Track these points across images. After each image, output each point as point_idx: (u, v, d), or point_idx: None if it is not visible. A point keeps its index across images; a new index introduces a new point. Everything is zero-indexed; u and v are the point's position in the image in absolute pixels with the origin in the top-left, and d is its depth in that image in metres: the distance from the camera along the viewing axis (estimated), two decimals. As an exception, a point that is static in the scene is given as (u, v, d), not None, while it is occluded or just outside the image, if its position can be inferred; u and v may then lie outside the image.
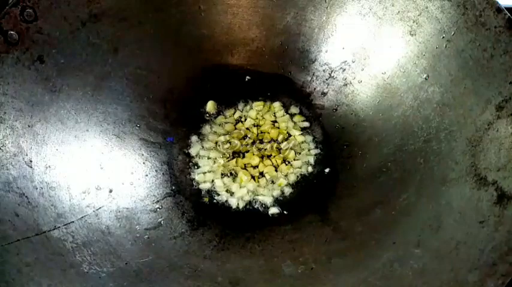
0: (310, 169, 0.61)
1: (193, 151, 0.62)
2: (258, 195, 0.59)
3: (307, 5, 0.63)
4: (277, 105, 0.66)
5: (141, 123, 0.61)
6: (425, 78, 0.56)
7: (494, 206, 0.44)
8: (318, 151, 0.63)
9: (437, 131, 0.53)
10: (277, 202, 0.59)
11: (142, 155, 0.59)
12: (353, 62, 0.63)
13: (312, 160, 0.62)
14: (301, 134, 0.64)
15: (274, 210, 0.58)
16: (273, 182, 0.60)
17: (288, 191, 0.60)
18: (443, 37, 0.54)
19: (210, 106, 0.65)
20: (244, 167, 0.61)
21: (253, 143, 0.63)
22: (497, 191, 0.45)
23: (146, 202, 0.56)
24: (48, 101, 0.54)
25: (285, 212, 0.58)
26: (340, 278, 0.49)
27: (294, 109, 0.66)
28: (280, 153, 0.62)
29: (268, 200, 0.59)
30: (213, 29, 0.65)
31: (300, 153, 0.62)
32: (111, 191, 0.56)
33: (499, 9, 0.49)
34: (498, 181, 0.45)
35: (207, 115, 0.65)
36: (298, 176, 0.61)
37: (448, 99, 0.53)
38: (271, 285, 0.51)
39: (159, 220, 0.55)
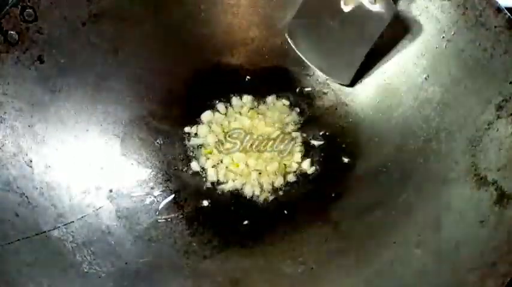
0: (310, 168, 0.61)
1: (193, 151, 0.62)
2: (258, 194, 0.59)
3: (307, 5, 0.63)
4: (277, 104, 0.66)
5: (141, 123, 0.60)
6: (425, 78, 0.56)
7: (494, 206, 0.44)
8: (317, 150, 0.63)
9: (437, 131, 0.53)
10: (277, 201, 0.59)
11: (142, 155, 0.59)
12: (353, 62, 0.63)
13: (311, 159, 0.62)
14: (301, 134, 0.64)
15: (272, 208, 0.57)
16: (272, 181, 0.60)
17: (287, 191, 0.60)
18: (443, 37, 0.54)
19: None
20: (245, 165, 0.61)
21: (252, 142, 0.63)
22: (497, 191, 0.45)
23: (146, 201, 0.56)
24: (48, 101, 0.54)
25: (285, 211, 0.58)
26: (340, 278, 0.50)
27: (293, 109, 0.66)
28: (279, 153, 0.62)
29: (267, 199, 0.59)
30: (213, 29, 0.65)
31: (299, 153, 0.62)
32: (111, 191, 0.56)
33: (499, 9, 0.49)
34: (498, 181, 0.45)
35: (207, 115, 0.65)
36: (297, 176, 0.61)
37: (448, 99, 0.53)
38: (271, 285, 0.51)
39: (159, 220, 0.55)
